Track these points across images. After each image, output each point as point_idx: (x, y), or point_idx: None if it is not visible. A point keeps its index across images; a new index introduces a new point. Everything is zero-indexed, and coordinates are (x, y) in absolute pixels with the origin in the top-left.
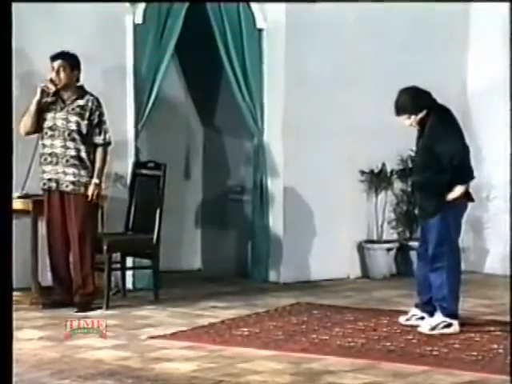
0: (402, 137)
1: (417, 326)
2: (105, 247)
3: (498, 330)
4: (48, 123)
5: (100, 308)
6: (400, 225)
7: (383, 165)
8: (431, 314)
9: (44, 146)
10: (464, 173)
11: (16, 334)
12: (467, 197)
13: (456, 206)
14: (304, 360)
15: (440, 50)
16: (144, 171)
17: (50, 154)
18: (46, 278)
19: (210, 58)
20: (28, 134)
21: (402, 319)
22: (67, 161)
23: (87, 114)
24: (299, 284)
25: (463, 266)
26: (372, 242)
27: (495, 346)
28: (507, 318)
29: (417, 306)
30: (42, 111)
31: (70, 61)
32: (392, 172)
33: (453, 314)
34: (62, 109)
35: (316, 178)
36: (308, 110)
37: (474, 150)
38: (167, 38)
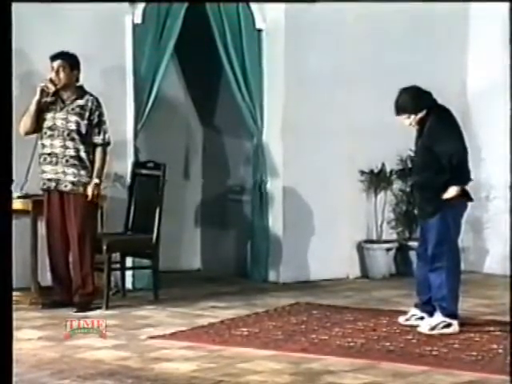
0: (401, 137)
1: (416, 326)
2: (104, 247)
3: (498, 330)
4: (47, 123)
5: (100, 308)
6: (399, 225)
7: (383, 165)
8: (431, 314)
9: (43, 145)
10: (461, 174)
11: (15, 334)
12: (466, 197)
13: (455, 205)
14: (303, 360)
15: (440, 50)
16: (143, 171)
17: (49, 154)
18: (46, 278)
19: (209, 58)
20: (27, 133)
21: (401, 319)
22: (67, 161)
23: (87, 114)
24: (299, 284)
25: (463, 266)
26: (371, 241)
27: (495, 346)
28: (507, 318)
29: (416, 305)
30: (41, 111)
31: (69, 61)
32: (391, 172)
33: (452, 314)
34: (61, 109)
35: (315, 177)
36: (307, 110)
37: (474, 150)
38: (167, 37)
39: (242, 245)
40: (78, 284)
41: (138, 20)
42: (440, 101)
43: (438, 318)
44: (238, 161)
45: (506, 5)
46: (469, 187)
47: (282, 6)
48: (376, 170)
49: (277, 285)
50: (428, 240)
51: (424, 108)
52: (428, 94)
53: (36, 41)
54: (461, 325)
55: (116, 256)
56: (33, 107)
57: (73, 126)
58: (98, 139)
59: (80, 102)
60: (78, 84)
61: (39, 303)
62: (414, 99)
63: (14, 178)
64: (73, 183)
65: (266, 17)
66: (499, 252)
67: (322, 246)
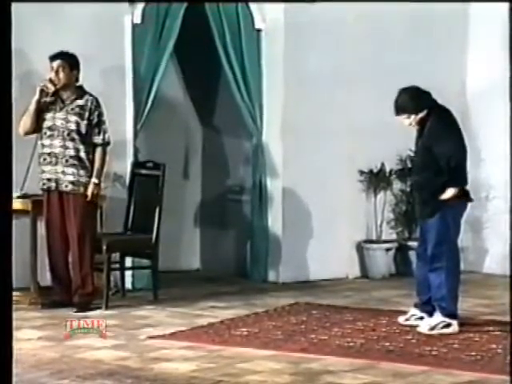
0: (401, 137)
1: (416, 326)
2: (104, 247)
3: (498, 329)
4: (47, 123)
5: (99, 308)
6: (399, 225)
7: (382, 165)
8: (430, 314)
9: (43, 145)
10: (459, 176)
11: (15, 334)
12: (466, 197)
13: (455, 205)
14: (303, 360)
15: (439, 50)
16: (143, 171)
17: (49, 154)
18: (46, 278)
19: (208, 58)
20: (27, 133)
21: (401, 319)
22: (66, 161)
23: (86, 114)
24: (298, 284)
25: (462, 266)
26: (371, 241)
27: (494, 346)
28: (506, 318)
29: (416, 305)
30: (41, 111)
31: (69, 61)
32: (391, 172)
33: (452, 314)
34: (61, 109)
35: (315, 177)
36: (307, 110)
37: (474, 150)
38: (166, 38)
39: (242, 245)
40: (78, 284)
41: (138, 20)
42: (440, 101)
43: (438, 317)
44: (237, 161)
45: (506, 5)
46: (468, 187)
47: (282, 5)
48: (376, 170)
49: (276, 285)
50: (428, 240)
51: (424, 108)
52: (428, 94)
53: (35, 41)
54: (460, 325)
55: (115, 256)
56: (32, 107)
57: (72, 126)
58: (97, 139)
59: (80, 102)
60: (78, 84)
61: (39, 303)
62: (413, 99)
63: (14, 177)
64: (72, 183)
65: (266, 17)
66: (499, 252)
67: (321, 246)
